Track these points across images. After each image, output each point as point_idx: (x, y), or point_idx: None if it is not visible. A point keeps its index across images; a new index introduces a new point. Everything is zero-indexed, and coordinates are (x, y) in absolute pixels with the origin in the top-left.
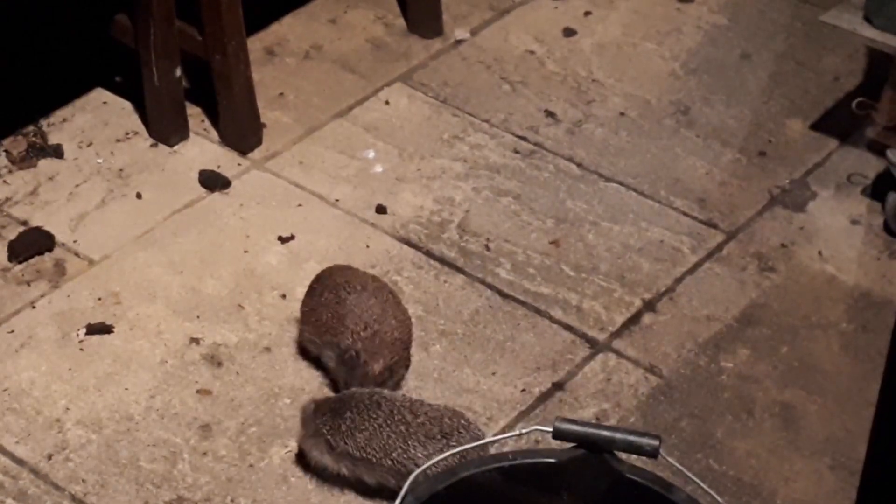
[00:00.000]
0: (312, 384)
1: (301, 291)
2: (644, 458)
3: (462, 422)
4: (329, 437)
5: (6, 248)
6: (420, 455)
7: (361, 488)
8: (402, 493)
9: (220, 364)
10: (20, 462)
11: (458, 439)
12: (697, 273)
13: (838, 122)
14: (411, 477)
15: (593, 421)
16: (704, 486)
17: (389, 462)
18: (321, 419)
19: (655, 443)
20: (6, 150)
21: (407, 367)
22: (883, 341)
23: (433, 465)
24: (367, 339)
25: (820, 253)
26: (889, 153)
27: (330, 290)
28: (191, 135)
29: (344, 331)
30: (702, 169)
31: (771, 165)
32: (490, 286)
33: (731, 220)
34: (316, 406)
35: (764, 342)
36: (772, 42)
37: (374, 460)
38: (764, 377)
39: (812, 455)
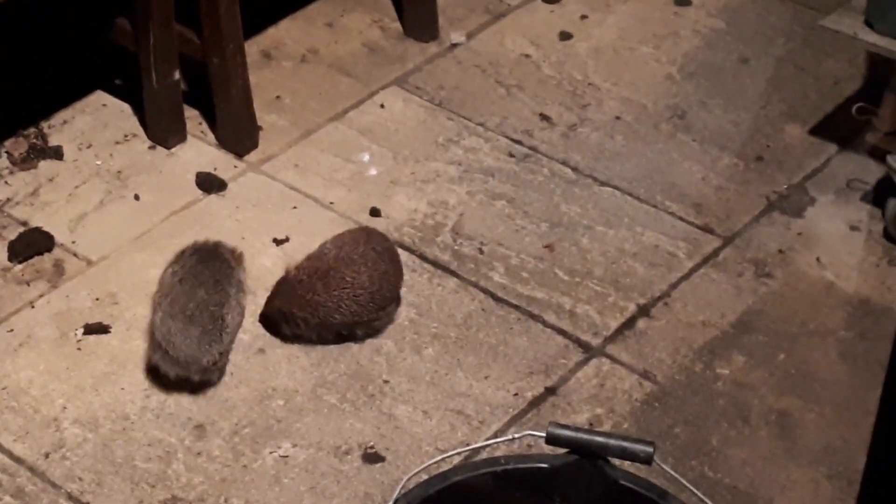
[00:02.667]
0: (306, 385)
1: None
2: (638, 464)
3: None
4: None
5: (6, 249)
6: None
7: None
8: (394, 496)
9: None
10: (18, 460)
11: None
12: (693, 278)
13: (838, 128)
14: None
15: (587, 426)
16: (699, 494)
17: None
18: None
19: (650, 449)
20: (7, 152)
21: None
22: (882, 349)
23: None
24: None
25: (818, 259)
26: (890, 159)
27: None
28: (188, 137)
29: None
30: (698, 174)
31: (769, 170)
32: (483, 290)
33: (728, 226)
34: None
35: (760, 349)
36: (771, 46)
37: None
38: (760, 384)
39: (809, 464)
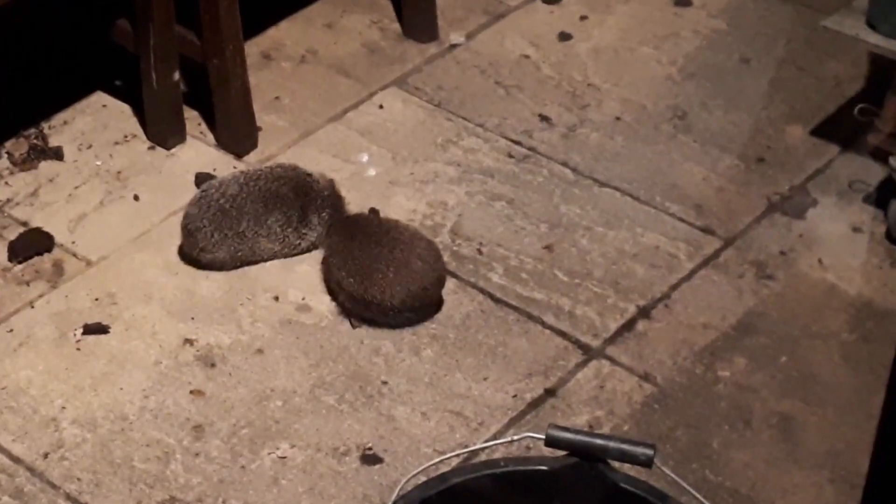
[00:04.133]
0: (304, 386)
1: (294, 294)
2: (638, 467)
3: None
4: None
5: (6, 249)
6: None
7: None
8: (393, 498)
9: (213, 365)
10: (16, 460)
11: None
12: (693, 280)
13: (840, 129)
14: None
15: (586, 429)
16: (700, 498)
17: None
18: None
19: (650, 452)
20: (8, 152)
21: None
22: (885, 352)
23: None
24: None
25: (820, 261)
26: (892, 160)
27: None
28: (188, 138)
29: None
30: (699, 175)
31: (770, 172)
32: (482, 291)
33: (729, 227)
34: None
35: (762, 351)
36: (772, 47)
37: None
38: (762, 387)
39: (811, 467)
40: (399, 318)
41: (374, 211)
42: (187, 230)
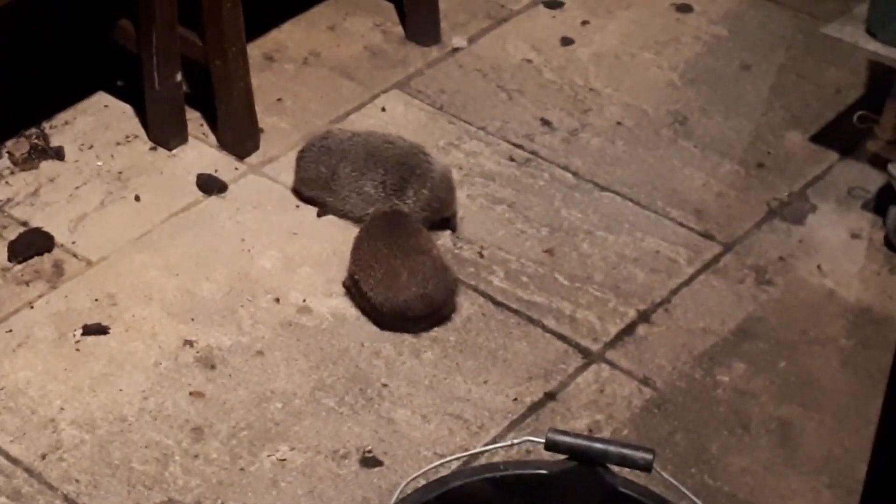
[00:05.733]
0: (304, 388)
1: (295, 296)
2: (637, 471)
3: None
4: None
5: (6, 249)
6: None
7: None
8: (392, 501)
9: (213, 367)
10: (14, 461)
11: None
12: (693, 285)
13: (839, 135)
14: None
15: (586, 433)
16: (699, 502)
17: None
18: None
19: (649, 456)
20: (9, 152)
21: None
22: (883, 358)
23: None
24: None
25: (819, 267)
26: (891, 167)
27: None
28: (189, 139)
29: None
30: (699, 180)
31: (770, 177)
32: (483, 294)
33: (729, 232)
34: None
35: (761, 356)
36: (772, 53)
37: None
38: (761, 392)
39: (809, 473)
40: (382, 319)
41: (446, 220)
42: (297, 156)
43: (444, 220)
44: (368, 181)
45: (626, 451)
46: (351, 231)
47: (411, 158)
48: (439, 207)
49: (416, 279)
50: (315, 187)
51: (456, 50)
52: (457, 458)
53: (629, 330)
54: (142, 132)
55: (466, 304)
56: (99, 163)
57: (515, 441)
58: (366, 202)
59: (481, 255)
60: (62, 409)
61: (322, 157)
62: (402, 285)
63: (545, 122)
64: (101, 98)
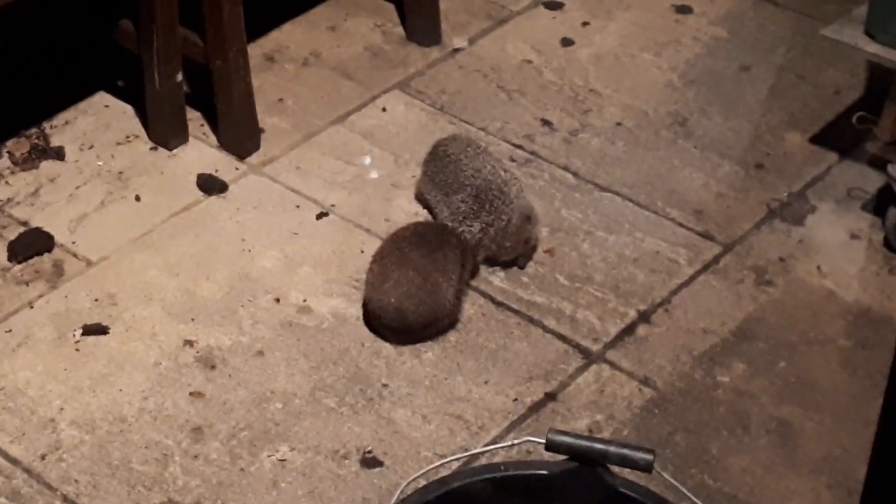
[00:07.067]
0: (304, 388)
1: (295, 296)
2: (637, 472)
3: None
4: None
5: (6, 249)
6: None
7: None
8: (393, 502)
9: (213, 367)
10: (14, 461)
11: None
12: (693, 285)
13: (839, 136)
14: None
15: (586, 433)
16: (699, 503)
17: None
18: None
19: (649, 457)
20: (9, 152)
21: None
22: (882, 358)
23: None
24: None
25: (819, 268)
26: (890, 168)
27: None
28: (190, 139)
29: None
30: (699, 180)
31: (769, 178)
32: (483, 294)
33: (729, 233)
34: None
35: (760, 357)
36: (771, 55)
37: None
38: (760, 392)
39: (809, 473)
40: (375, 322)
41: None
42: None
43: (512, 260)
44: (457, 201)
45: (626, 451)
46: (351, 231)
47: (492, 186)
48: (497, 251)
49: (397, 290)
50: (427, 186)
51: (456, 50)
52: (457, 459)
53: (629, 330)
54: (142, 132)
55: (467, 304)
56: (99, 163)
57: (516, 441)
58: (446, 217)
59: None
60: (62, 409)
61: (433, 159)
62: (383, 290)
63: (545, 123)
64: (102, 98)
